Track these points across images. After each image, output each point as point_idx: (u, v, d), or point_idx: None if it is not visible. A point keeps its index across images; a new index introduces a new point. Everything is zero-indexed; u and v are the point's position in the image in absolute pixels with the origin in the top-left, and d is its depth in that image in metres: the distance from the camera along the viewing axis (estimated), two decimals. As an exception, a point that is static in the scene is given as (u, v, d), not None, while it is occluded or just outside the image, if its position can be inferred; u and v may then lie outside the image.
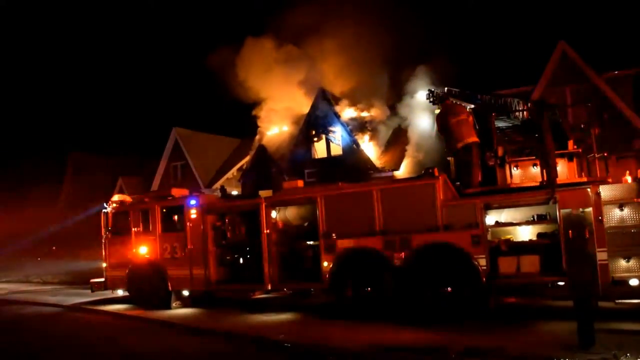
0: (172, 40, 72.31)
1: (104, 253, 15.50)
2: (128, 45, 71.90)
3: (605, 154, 11.12)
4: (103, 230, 15.50)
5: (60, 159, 41.60)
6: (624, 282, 9.18)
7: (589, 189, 9.41)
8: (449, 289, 10.24)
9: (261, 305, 13.54)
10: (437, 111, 12.89)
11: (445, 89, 12.39)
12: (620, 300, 9.26)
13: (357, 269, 11.18)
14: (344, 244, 11.38)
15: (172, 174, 31.93)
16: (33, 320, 14.51)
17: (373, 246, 11.05)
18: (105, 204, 15.56)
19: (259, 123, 23.20)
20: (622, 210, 9.26)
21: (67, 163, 41.43)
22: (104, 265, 15.46)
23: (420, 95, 13.06)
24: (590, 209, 9.28)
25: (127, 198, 16.22)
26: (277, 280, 12.41)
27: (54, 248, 36.34)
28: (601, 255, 9.12)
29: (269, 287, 12.57)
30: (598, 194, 9.31)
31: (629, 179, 9.86)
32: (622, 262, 9.17)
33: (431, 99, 12.74)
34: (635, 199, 9.21)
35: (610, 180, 10.12)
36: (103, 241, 15.52)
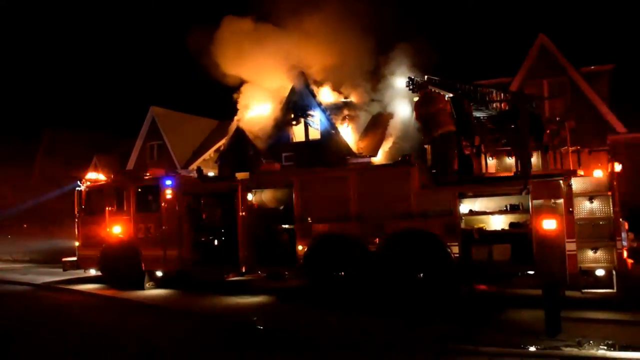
0: (153, 17, 71.02)
1: (77, 232, 15.32)
2: (108, 21, 70.43)
3: (579, 147, 11.32)
4: (76, 209, 15.29)
5: (33, 135, 40.76)
6: (591, 272, 9.40)
7: (561, 181, 9.58)
8: (422, 275, 10.39)
9: (235, 288, 13.56)
10: (416, 99, 12.96)
11: (426, 77, 12.45)
12: (586, 290, 9.53)
13: (332, 254, 11.24)
14: (319, 228, 11.42)
15: (149, 154, 31.58)
16: (3, 299, 14.32)
17: (348, 231, 11.12)
18: (79, 182, 15.33)
19: (238, 105, 23.00)
20: (592, 202, 9.48)
21: (40, 139, 40.62)
22: (77, 244, 15.29)
23: (400, 83, 13.09)
24: (561, 201, 9.46)
25: (102, 176, 16.01)
26: (251, 262, 12.43)
27: (25, 226, 35.72)
28: (570, 246, 9.31)
29: (244, 270, 12.58)
30: (570, 186, 9.49)
31: (600, 172, 10.07)
32: (590, 253, 9.40)
33: (411, 87, 12.79)
34: (605, 192, 9.43)
35: (582, 173, 10.33)
36: (76, 220, 15.33)
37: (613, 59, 22.51)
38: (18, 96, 59.11)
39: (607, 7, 45.65)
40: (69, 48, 71.05)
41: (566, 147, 11.29)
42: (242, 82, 21.73)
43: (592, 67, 22.29)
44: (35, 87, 63.95)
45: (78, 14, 69.76)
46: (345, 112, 22.55)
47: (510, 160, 10.88)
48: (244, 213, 12.48)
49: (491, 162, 11.12)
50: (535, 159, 10.76)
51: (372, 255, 10.78)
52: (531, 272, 9.77)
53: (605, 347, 7.12)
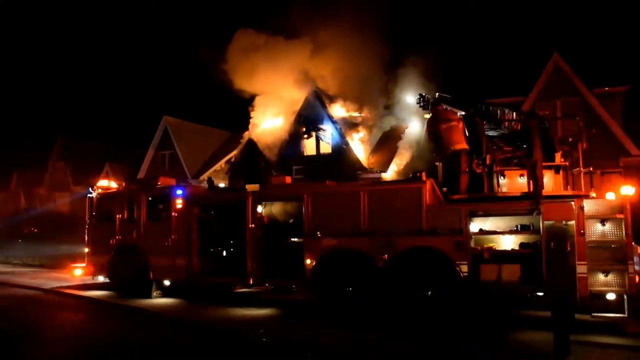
0: (167, 28, 71.84)
1: (86, 238, 15.42)
2: (123, 31, 71.37)
3: (591, 169, 11.25)
4: (87, 215, 15.40)
5: (46, 142, 41.21)
6: (601, 295, 9.29)
7: (572, 203, 9.52)
8: (430, 293, 10.32)
9: (243, 299, 13.54)
10: (427, 116, 12.96)
11: (437, 94, 12.45)
12: (596, 314, 9.41)
13: (340, 269, 11.21)
14: (328, 242, 11.40)
15: (160, 163, 31.77)
16: (12, 301, 14.39)
17: (357, 246, 11.08)
18: (90, 189, 15.45)
19: (250, 117, 23.15)
20: (603, 225, 9.38)
21: (53, 146, 41.04)
22: (86, 250, 15.37)
23: (411, 99, 13.14)
24: (573, 222, 9.39)
25: (113, 184, 16.13)
26: (259, 275, 12.41)
27: (35, 230, 36.00)
28: (581, 269, 9.22)
29: (251, 282, 12.56)
30: (581, 208, 9.42)
31: (612, 194, 9.99)
32: (601, 276, 9.29)
33: (421, 104, 12.79)
34: (617, 215, 9.34)
35: (594, 195, 10.25)
36: (86, 226, 15.43)
37: (627, 81, 22.40)
38: (32, 103, 59.86)
39: (622, 28, 45.61)
40: (84, 56, 71.97)
41: (578, 169, 11.22)
42: (255, 95, 21.90)
43: (606, 88, 22.20)
44: (49, 95, 64.74)
45: (95, 23, 70.73)
46: (357, 126, 22.62)
47: (522, 180, 10.81)
48: (253, 225, 12.49)
49: (503, 182, 11.06)
50: (547, 180, 10.69)
51: (381, 271, 10.73)
52: (541, 294, 9.67)
53: (615, 373, 7.02)
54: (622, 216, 9.29)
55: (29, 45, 65.44)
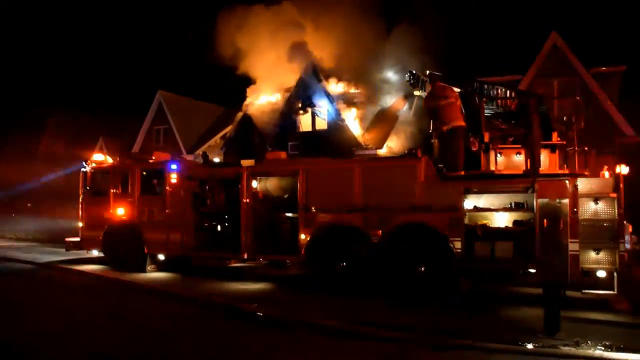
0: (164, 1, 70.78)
1: (80, 212, 15.37)
2: (118, 5, 70.27)
3: (586, 148, 11.27)
4: (81, 190, 15.34)
5: (40, 115, 40.82)
6: (592, 273, 9.40)
7: (567, 181, 9.57)
8: (423, 268, 10.41)
9: (237, 274, 13.61)
10: (417, 93, 12.91)
11: (427, 72, 12.36)
12: (587, 291, 9.54)
13: (334, 244, 11.28)
14: (322, 218, 11.44)
15: (155, 137, 31.63)
16: (5, 276, 14.42)
17: (351, 222, 11.13)
18: (84, 163, 15.36)
19: (247, 92, 23.01)
20: (596, 204, 9.44)
21: (47, 119, 40.70)
22: (80, 224, 15.34)
23: (407, 77, 13.01)
24: (566, 201, 9.44)
25: (108, 158, 16.05)
26: (253, 250, 12.46)
27: (29, 205, 35.89)
28: (573, 246, 9.31)
29: (245, 256, 12.63)
30: (575, 187, 9.48)
31: (606, 174, 10.03)
32: (592, 254, 9.38)
33: (411, 81, 12.70)
34: (610, 194, 9.39)
35: (588, 174, 10.29)
36: (80, 200, 15.37)
37: (624, 61, 22.36)
38: (26, 76, 59.17)
39: (620, 8, 45.29)
40: (78, 29, 71.02)
41: (573, 148, 11.24)
42: (251, 70, 21.75)
43: (603, 68, 22.15)
44: (43, 69, 63.97)
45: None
46: (353, 103, 22.53)
47: (519, 158, 10.83)
48: (247, 200, 12.50)
49: (499, 160, 11.07)
50: (543, 158, 10.72)
51: (375, 247, 10.80)
52: (533, 271, 9.77)
53: (603, 348, 7.12)
54: (615, 195, 9.35)
55: (22, 19, 64.49)
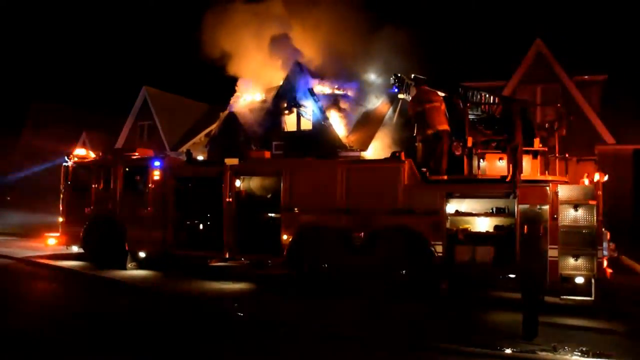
0: (149, -4, 70.14)
1: (61, 208, 15.17)
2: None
3: (567, 155, 11.43)
4: (62, 185, 15.13)
5: (21, 108, 40.25)
6: (570, 279, 9.54)
7: (548, 187, 9.68)
8: (404, 272, 10.46)
9: (218, 273, 13.54)
10: (401, 96, 12.99)
11: (412, 75, 12.43)
12: (565, 297, 9.69)
13: (316, 245, 11.28)
14: (305, 218, 11.45)
15: (139, 133, 31.31)
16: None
17: (334, 224, 11.15)
18: (66, 157, 15.16)
19: (235, 90, 22.90)
20: (576, 210, 9.58)
21: (28, 113, 40.09)
22: (61, 220, 15.14)
23: (392, 79, 13.07)
24: (547, 207, 9.56)
25: (90, 153, 15.86)
26: (235, 249, 12.42)
27: (8, 198, 35.33)
28: (552, 252, 9.45)
29: (227, 256, 12.58)
30: (556, 193, 9.60)
31: (586, 181, 10.18)
32: (571, 260, 9.52)
33: (396, 84, 12.76)
34: (589, 201, 9.53)
35: (568, 180, 10.42)
36: (61, 195, 15.17)
37: (606, 70, 22.67)
38: (6, 68, 58.30)
39: (601, 17, 45.92)
40: (65, 23, 70.16)
41: (554, 155, 11.39)
42: (237, 69, 21.67)
43: (586, 77, 22.43)
44: (24, 61, 63.11)
45: (74, -12, 68.70)
46: (338, 104, 22.54)
47: (501, 164, 10.94)
48: (230, 199, 12.45)
49: (482, 165, 11.18)
50: (525, 164, 10.83)
51: (357, 249, 10.83)
52: (512, 276, 9.87)
53: (580, 354, 7.22)
54: (594, 202, 9.49)
55: (6, 12, 63.54)
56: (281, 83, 23.04)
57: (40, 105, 39.75)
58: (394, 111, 20.90)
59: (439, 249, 10.23)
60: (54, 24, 68.50)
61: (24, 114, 40.31)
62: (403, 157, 10.88)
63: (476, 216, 10.66)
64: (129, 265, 13.82)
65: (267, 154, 13.58)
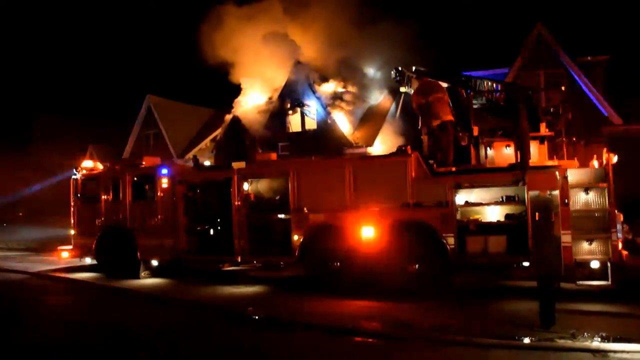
0: (152, 4, 70.37)
1: (72, 220, 15.26)
2: (107, 9, 69.86)
3: (574, 139, 11.34)
4: (72, 197, 15.23)
5: (24, 122, 40.54)
6: (585, 264, 9.44)
7: (556, 172, 9.59)
8: (417, 266, 10.42)
9: (231, 278, 13.56)
10: (403, 90, 12.93)
11: (413, 68, 12.37)
12: (581, 282, 9.59)
13: (327, 244, 11.25)
14: (314, 218, 11.42)
15: (145, 142, 31.44)
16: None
17: (343, 221, 11.12)
18: (74, 170, 15.26)
19: (240, 94, 22.90)
20: (587, 194, 9.49)
21: (35, 128, 40.38)
22: (73, 232, 15.23)
23: (393, 73, 13.02)
24: (557, 192, 9.47)
25: (98, 164, 15.94)
26: (247, 252, 12.41)
27: (20, 214, 35.61)
28: (565, 238, 9.35)
29: (239, 260, 12.57)
30: (565, 178, 9.51)
31: (595, 164, 10.07)
32: (585, 245, 9.43)
33: (397, 78, 12.70)
34: (600, 184, 9.43)
35: (577, 164, 10.33)
36: (72, 208, 15.26)
37: (608, 51, 22.47)
38: (11, 84, 58.66)
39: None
40: (66, 36, 70.54)
41: (561, 139, 11.30)
42: (239, 71, 21.64)
43: (589, 58, 22.22)
44: (28, 76, 63.52)
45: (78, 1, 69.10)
46: (342, 101, 22.50)
47: (508, 151, 10.86)
48: (239, 203, 12.45)
49: (489, 153, 11.11)
50: (532, 150, 10.76)
51: (367, 246, 10.79)
52: (526, 264, 9.80)
53: (599, 339, 7.14)
54: (605, 185, 9.40)
55: (9, 24, 63.95)
56: (283, 83, 23.02)
57: (44, 118, 40.00)
58: (397, 105, 20.88)
59: (451, 241, 10.17)
60: (56, 39, 68.86)
61: (29, 129, 40.59)
62: (409, 151, 10.82)
63: (486, 206, 10.57)
64: (142, 274, 13.86)
65: (274, 156, 13.57)
